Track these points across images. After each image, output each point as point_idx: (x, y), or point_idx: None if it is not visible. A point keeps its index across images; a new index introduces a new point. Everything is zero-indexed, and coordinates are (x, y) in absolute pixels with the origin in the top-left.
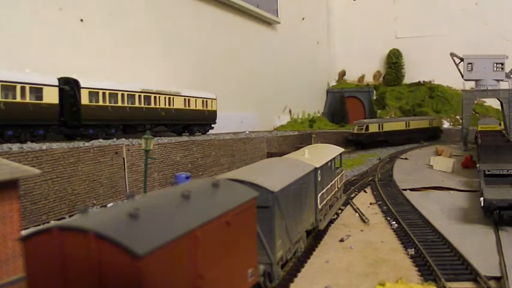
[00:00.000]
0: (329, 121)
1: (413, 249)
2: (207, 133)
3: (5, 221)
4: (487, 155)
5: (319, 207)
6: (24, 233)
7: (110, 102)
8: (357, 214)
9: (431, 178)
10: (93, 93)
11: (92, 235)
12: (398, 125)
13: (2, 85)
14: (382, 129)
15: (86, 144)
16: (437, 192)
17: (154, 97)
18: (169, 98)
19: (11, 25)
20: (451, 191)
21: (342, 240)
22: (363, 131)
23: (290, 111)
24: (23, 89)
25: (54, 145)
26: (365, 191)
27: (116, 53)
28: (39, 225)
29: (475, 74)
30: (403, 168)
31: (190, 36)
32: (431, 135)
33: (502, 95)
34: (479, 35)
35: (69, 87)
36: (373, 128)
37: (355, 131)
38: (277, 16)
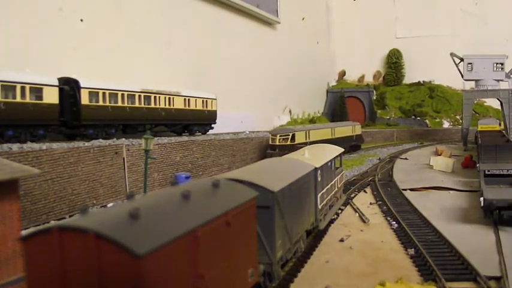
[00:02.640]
0: (329, 121)
1: (413, 249)
2: (207, 133)
3: (5, 221)
4: (487, 155)
5: (319, 207)
6: (24, 233)
7: (110, 102)
8: (357, 214)
9: (431, 178)
10: (93, 93)
11: (92, 235)
12: (325, 133)
13: (2, 85)
14: (309, 138)
15: (86, 144)
16: (437, 192)
17: (155, 97)
18: (169, 98)
19: (11, 25)
20: (451, 191)
21: (342, 240)
22: (288, 142)
23: (290, 111)
24: (23, 89)
25: (54, 145)
26: (365, 191)
27: (116, 53)
28: (39, 225)
29: (475, 74)
30: (403, 168)
31: (191, 36)
32: (354, 146)
33: (502, 95)
34: (479, 35)
35: (69, 87)
36: (300, 137)
37: (278, 142)
38: (277, 16)
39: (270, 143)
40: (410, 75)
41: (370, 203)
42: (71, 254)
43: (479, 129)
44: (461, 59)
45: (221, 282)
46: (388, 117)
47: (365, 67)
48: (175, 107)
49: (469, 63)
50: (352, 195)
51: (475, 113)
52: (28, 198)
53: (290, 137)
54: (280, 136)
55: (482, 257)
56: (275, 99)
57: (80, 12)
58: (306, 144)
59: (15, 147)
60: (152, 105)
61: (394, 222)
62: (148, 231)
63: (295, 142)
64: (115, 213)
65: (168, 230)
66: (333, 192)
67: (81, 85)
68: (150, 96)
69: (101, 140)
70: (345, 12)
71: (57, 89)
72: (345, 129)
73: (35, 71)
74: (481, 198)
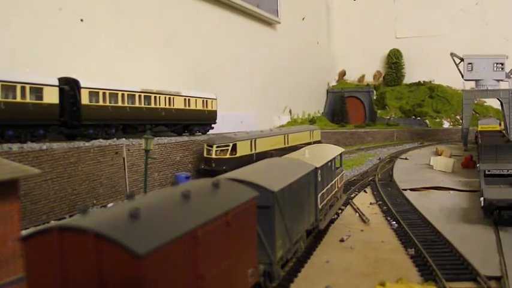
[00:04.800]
0: (329, 121)
1: (413, 249)
2: (207, 133)
3: (5, 221)
4: (487, 155)
5: (320, 207)
6: (24, 233)
7: (110, 102)
8: (357, 214)
9: (431, 178)
10: (93, 93)
11: (92, 235)
12: (276, 142)
13: (2, 85)
14: (256, 148)
15: (86, 144)
16: (437, 192)
17: (155, 97)
18: (169, 98)
19: (11, 25)
20: (451, 191)
21: (342, 240)
22: (228, 154)
23: (290, 111)
24: (23, 89)
25: (55, 145)
26: (365, 191)
27: (116, 53)
28: (39, 225)
29: (475, 74)
30: (403, 168)
31: (191, 36)
32: None
33: (502, 95)
34: (479, 35)
35: (69, 87)
36: (244, 147)
37: (214, 155)
38: (277, 16)
39: (205, 155)
40: (410, 75)
41: (370, 203)
42: (71, 254)
43: (479, 129)
44: (461, 59)
45: (221, 282)
46: (388, 117)
47: (365, 67)
48: (175, 107)
49: (469, 63)
50: (352, 195)
51: (475, 113)
52: (28, 198)
53: (230, 147)
54: (217, 147)
55: (482, 257)
56: (275, 99)
57: (80, 12)
58: (251, 157)
59: (15, 147)
60: (152, 105)
61: (394, 222)
62: (148, 231)
63: (237, 154)
64: (115, 213)
65: (168, 230)
66: (333, 192)
67: (81, 85)
68: (150, 96)
69: (101, 140)
70: (345, 12)
71: (57, 89)
72: (301, 135)
73: (35, 71)
74: (481, 198)
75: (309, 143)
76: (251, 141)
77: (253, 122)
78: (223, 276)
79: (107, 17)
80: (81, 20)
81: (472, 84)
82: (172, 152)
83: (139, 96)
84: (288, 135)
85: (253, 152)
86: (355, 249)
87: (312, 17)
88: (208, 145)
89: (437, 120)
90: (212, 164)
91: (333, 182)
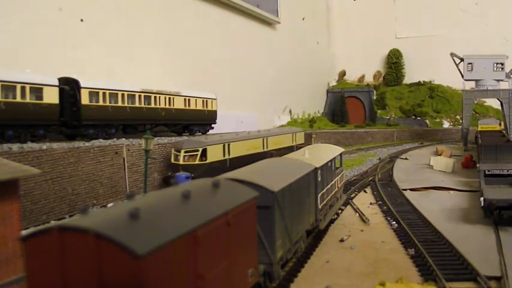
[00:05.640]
0: (329, 121)
1: (413, 249)
2: (207, 133)
3: (5, 221)
4: (487, 155)
5: (319, 207)
6: (24, 233)
7: (110, 102)
8: (357, 214)
9: (431, 178)
10: (93, 93)
11: (92, 235)
12: (253, 146)
13: (2, 85)
14: (230, 153)
15: (86, 144)
16: (437, 192)
17: (155, 97)
18: (169, 98)
19: (11, 25)
20: (451, 191)
21: (342, 240)
22: (197, 160)
23: (290, 111)
24: (23, 89)
25: (55, 145)
26: (365, 191)
27: (116, 53)
28: (39, 225)
29: (475, 74)
30: (403, 168)
31: (191, 36)
32: None
33: (502, 95)
34: (479, 35)
35: (69, 87)
36: (215, 152)
37: (182, 161)
38: (277, 16)
39: (173, 161)
40: (410, 75)
41: (370, 203)
42: (71, 254)
43: (479, 129)
44: (461, 59)
45: (221, 282)
46: (388, 117)
47: (365, 67)
48: (175, 107)
49: (469, 63)
50: (352, 195)
51: (475, 113)
52: (28, 198)
53: (200, 153)
54: (185, 152)
55: (482, 257)
56: (275, 99)
57: (80, 12)
58: (224, 163)
59: (15, 147)
60: (152, 105)
61: (394, 222)
62: (148, 231)
63: (208, 160)
64: (115, 213)
65: (168, 230)
66: (333, 192)
67: (81, 85)
68: (150, 96)
69: (101, 140)
70: (345, 12)
71: (57, 89)
72: (282, 138)
73: (35, 71)
74: (481, 198)
75: (291, 147)
76: (224, 146)
77: (253, 122)
78: (223, 276)
79: (107, 17)
80: (81, 20)
81: (472, 84)
82: None
83: (139, 96)
84: (267, 139)
85: (226, 157)
86: (355, 249)
87: (312, 17)
88: (175, 150)
89: (437, 120)
90: (180, 171)
91: (333, 182)
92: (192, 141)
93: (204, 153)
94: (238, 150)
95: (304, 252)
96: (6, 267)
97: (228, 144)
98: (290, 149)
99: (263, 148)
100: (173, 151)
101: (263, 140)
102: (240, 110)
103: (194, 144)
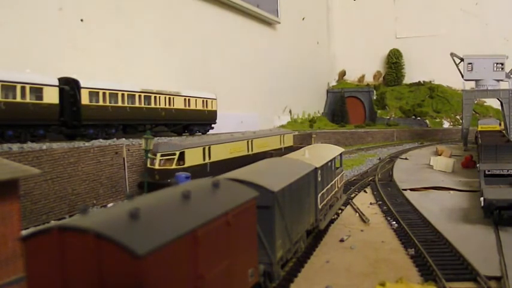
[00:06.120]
0: (329, 121)
1: (413, 249)
2: (207, 133)
3: (5, 221)
4: (487, 155)
5: (319, 207)
6: (24, 233)
7: (110, 102)
8: (357, 214)
9: (431, 178)
10: (93, 93)
11: (92, 235)
12: (237, 149)
13: (2, 85)
14: (210, 157)
15: (86, 144)
16: (437, 192)
17: (155, 97)
18: (169, 98)
19: (11, 25)
20: (451, 191)
21: (342, 240)
22: (174, 165)
23: (290, 111)
24: (23, 89)
25: (54, 145)
26: (365, 191)
27: (116, 53)
28: (39, 225)
29: (475, 74)
30: (403, 168)
31: (191, 36)
32: None
33: (502, 95)
34: (479, 35)
35: (69, 87)
36: (194, 156)
37: (158, 165)
38: (277, 16)
39: (148, 165)
40: (410, 75)
41: (370, 203)
42: (71, 254)
43: (479, 129)
44: (461, 59)
45: (221, 282)
46: (388, 117)
47: (365, 67)
48: (175, 107)
49: (469, 63)
50: (352, 195)
51: (475, 113)
52: (28, 198)
53: (177, 156)
54: (161, 156)
55: (482, 257)
56: (275, 99)
57: (80, 12)
58: (204, 167)
59: (15, 147)
60: (152, 105)
61: (394, 222)
62: (148, 231)
63: (186, 164)
64: (115, 213)
65: (168, 230)
66: (333, 192)
67: (81, 85)
68: (150, 96)
69: (101, 140)
70: (345, 12)
71: (57, 89)
72: (269, 140)
73: (35, 71)
74: (481, 198)
75: (279, 149)
76: (204, 149)
77: (253, 122)
78: (223, 276)
79: (107, 17)
80: (81, 20)
81: (472, 84)
82: None
83: (139, 96)
84: (252, 141)
85: (206, 161)
86: (355, 249)
87: (312, 17)
88: (151, 153)
89: (437, 120)
90: (155, 176)
91: (333, 182)
92: (168, 144)
93: (181, 157)
94: (219, 153)
95: (304, 252)
96: (6, 267)
97: (209, 147)
98: (277, 152)
99: (248, 151)
100: (149, 155)
101: (247, 142)
102: (240, 110)
103: (171, 147)
